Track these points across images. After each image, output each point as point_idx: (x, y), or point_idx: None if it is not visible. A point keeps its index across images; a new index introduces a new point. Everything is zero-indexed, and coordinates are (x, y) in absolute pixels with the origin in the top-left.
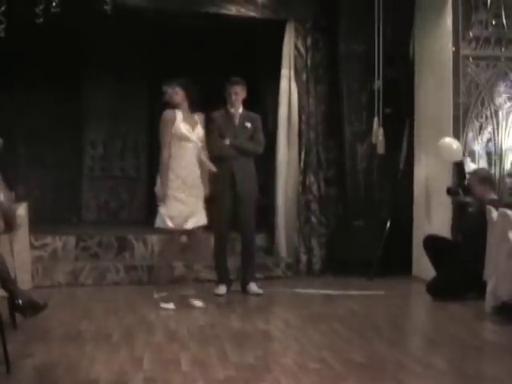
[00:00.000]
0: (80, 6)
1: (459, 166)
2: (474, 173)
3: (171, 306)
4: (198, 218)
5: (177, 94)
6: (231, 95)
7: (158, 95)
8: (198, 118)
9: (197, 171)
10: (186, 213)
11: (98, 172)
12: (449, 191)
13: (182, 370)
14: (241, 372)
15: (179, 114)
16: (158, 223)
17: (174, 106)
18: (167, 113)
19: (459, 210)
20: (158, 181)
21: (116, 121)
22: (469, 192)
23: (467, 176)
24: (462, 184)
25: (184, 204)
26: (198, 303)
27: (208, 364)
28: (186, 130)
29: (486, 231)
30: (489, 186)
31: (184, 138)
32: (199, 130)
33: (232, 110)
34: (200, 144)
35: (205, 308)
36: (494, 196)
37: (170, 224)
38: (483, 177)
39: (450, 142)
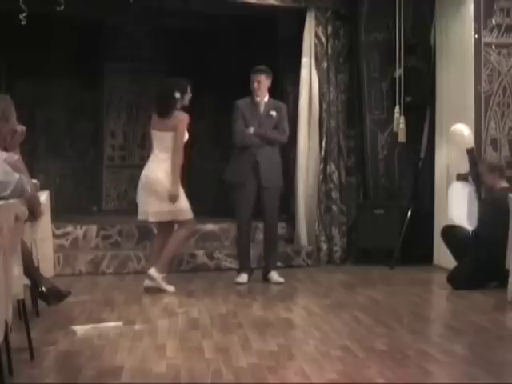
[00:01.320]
0: None
1: (470, 153)
2: (484, 160)
3: (172, 288)
4: None
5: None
6: (254, 83)
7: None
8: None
9: None
10: None
11: (118, 161)
12: (458, 177)
13: (205, 358)
14: (264, 360)
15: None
16: (188, 214)
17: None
18: (186, 116)
19: (469, 197)
20: (168, 180)
21: (135, 110)
22: (478, 179)
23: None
24: (473, 171)
25: None
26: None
27: (231, 352)
28: None
29: (501, 219)
30: (498, 173)
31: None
32: None
33: (257, 99)
34: None
35: (226, 296)
36: (504, 184)
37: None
38: (492, 164)
39: (461, 128)
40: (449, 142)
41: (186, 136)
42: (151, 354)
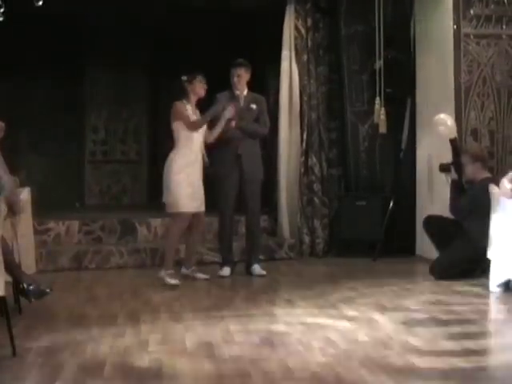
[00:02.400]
0: None
1: (454, 143)
2: (466, 151)
3: (176, 281)
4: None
5: None
6: (234, 77)
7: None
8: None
9: None
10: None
11: (100, 156)
12: (440, 167)
13: (187, 352)
14: (246, 352)
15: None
16: (173, 207)
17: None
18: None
19: (453, 187)
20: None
21: (117, 105)
22: (461, 169)
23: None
24: (456, 161)
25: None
26: (202, 275)
27: (213, 345)
28: None
29: (482, 209)
30: (481, 164)
31: None
32: None
33: (237, 92)
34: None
35: (209, 290)
36: (487, 174)
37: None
38: (475, 154)
39: (444, 118)
40: (431, 132)
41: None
42: (133, 348)
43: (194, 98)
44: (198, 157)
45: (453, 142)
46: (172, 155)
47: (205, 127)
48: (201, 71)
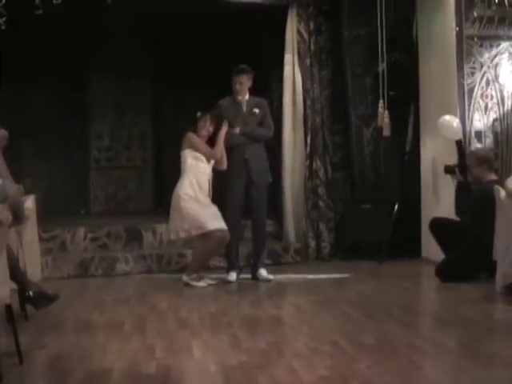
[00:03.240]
0: None
1: (459, 145)
2: (472, 153)
3: (203, 283)
4: None
5: None
6: (236, 84)
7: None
8: None
9: None
10: None
11: (105, 163)
12: (445, 169)
13: (194, 357)
14: (253, 357)
15: None
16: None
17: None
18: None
19: (458, 189)
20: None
21: (121, 111)
22: (466, 171)
23: (467, 155)
24: (461, 163)
25: None
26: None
27: (220, 350)
28: None
29: (488, 211)
30: (487, 166)
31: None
32: None
33: (239, 98)
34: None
35: (215, 295)
36: (493, 176)
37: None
38: (481, 157)
39: (450, 119)
40: (436, 134)
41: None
42: (141, 355)
43: (200, 135)
44: (204, 185)
45: (458, 143)
46: (178, 184)
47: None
48: (209, 112)
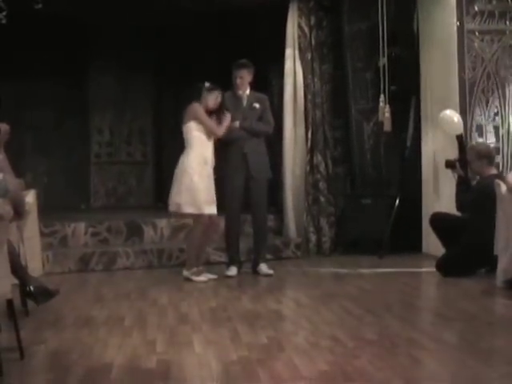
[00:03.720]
0: None
1: (459, 140)
2: (472, 147)
3: (203, 278)
4: None
5: None
6: (236, 79)
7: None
8: None
9: None
10: None
11: (105, 158)
12: (446, 164)
13: (195, 352)
14: (254, 352)
15: None
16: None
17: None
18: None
19: (459, 184)
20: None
21: (122, 107)
22: (467, 166)
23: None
24: (462, 157)
25: None
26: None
27: (221, 345)
28: None
29: (488, 206)
30: (487, 161)
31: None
32: None
33: (240, 92)
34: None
35: (216, 289)
36: (493, 171)
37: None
38: (481, 152)
39: (450, 114)
40: (437, 129)
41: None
42: (141, 349)
43: (204, 107)
44: (209, 159)
45: (459, 138)
46: (184, 158)
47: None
48: (222, 89)
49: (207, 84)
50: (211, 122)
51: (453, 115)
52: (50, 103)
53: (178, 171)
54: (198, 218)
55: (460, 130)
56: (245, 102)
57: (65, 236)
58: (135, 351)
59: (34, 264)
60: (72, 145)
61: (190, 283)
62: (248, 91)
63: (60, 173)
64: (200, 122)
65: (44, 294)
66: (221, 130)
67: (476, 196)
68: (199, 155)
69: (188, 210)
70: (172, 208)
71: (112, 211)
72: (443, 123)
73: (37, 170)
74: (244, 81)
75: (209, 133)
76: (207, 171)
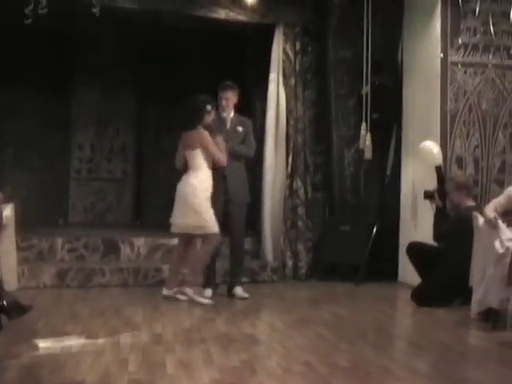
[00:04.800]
0: (68, 8)
1: (438, 171)
2: (451, 178)
3: (208, 300)
4: None
5: None
6: (222, 100)
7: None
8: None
9: None
10: None
11: (85, 174)
12: (425, 194)
13: (167, 373)
14: (226, 375)
15: None
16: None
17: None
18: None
19: (437, 214)
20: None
21: (104, 123)
22: (445, 197)
23: (446, 181)
24: (440, 188)
25: None
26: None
27: (193, 367)
28: None
29: (465, 237)
30: (466, 192)
31: None
32: None
33: (224, 114)
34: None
35: (190, 311)
36: (471, 202)
37: None
38: (460, 183)
39: (430, 145)
40: (416, 159)
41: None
42: (113, 368)
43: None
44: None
45: (438, 169)
46: (193, 180)
47: None
48: (214, 102)
49: (208, 107)
50: (217, 150)
51: (432, 146)
52: (31, 117)
53: (185, 189)
54: (211, 237)
55: (439, 161)
56: (228, 125)
57: (41, 251)
58: (107, 370)
59: (10, 278)
60: (52, 159)
61: (166, 303)
62: (232, 114)
63: (39, 187)
64: (206, 149)
65: (17, 310)
66: (225, 160)
67: (453, 227)
68: (205, 179)
69: (212, 229)
70: (174, 230)
71: (90, 228)
72: (423, 154)
73: (16, 184)
74: (229, 102)
75: (212, 160)
76: (209, 194)
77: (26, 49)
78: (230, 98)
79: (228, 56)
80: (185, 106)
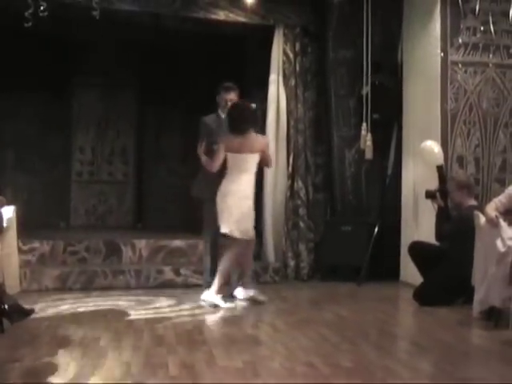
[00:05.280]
0: (68, 11)
1: (440, 170)
2: (452, 178)
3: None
4: None
5: None
6: (226, 102)
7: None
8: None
9: None
10: None
11: (86, 177)
12: (426, 194)
13: (170, 375)
14: (229, 376)
15: None
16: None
17: None
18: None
19: (438, 214)
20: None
21: (104, 126)
22: (447, 196)
23: (448, 180)
24: (442, 188)
25: None
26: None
27: (196, 368)
28: None
29: (467, 236)
30: (467, 191)
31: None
32: None
33: (223, 115)
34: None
35: (192, 313)
36: (473, 202)
37: None
38: (461, 182)
39: (431, 145)
40: (417, 159)
41: None
42: (116, 371)
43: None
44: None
45: (439, 169)
46: (251, 184)
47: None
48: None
49: (253, 105)
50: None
51: (434, 146)
52: (32, 119)
53: (246, 196)
54: (240, 242)
55: (440, 160)
56: None
57: (43, 254)
58: (110, 372)
59: (12, 281)
60: (53, 162)
61: (167, 305)
62: None
63: (40, 190)
64: (265, 154)
65: (18, 313)
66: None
67: (455, 226)
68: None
69: (243, 235)
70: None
71: (91, 230)
72: (424, 154)
73: (17, 186)
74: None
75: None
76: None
77: (26, 51)
78: (233, 100)
79: (228, 57)
80: (234, 110)
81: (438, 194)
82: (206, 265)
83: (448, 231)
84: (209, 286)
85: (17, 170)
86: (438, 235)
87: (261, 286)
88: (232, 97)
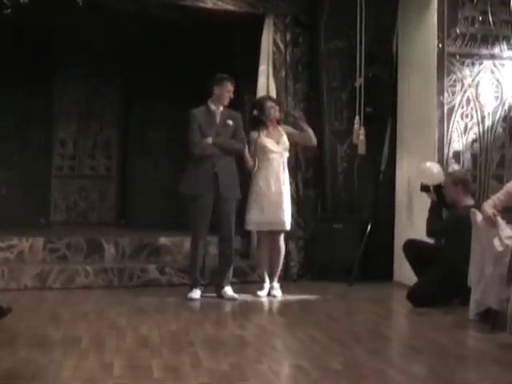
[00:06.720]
0: None
1: (438, 189)
2: (449, 174)
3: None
4: None
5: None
6: (225, 93)
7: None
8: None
9: None
10: None
11: (68, 171)
12: (421, 187)
13: (153, 377)
14: (215, 379)
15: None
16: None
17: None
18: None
19: (432, 209)
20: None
21: (87, 118)
22: (442, 193)
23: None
24: (440, 204)
25: None
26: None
27: (181, 371)
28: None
29: (463, 236)
30: (462, 187)
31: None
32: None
33: (213, 108)
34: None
35: (177, 313)
36: (470, 200)
37: None
38: (457, 178)
39: (430, 166)
40: (412, 154)
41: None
42: (97, 372)
43: None
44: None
45: (437, 188)
46: (287, 178)
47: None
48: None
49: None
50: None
51: (432, 167)
52: (12, 112)
53: (284, 191)
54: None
55: (441, 180)
56: (218, 119)
57: (22, 251)
58: (91, 374)
59: None
60: (33, 156)
61: (151, 305)
62: (222, 107)
63: (19, 185)
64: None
65: None
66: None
67: (451, 226)
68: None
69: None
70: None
71: (72, 227)
72: (423, 175)
73: None
74: (231, 95)
75: None
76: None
77: (4, 41)
78: (231, 91)
79: (216, 47)
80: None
81: (431, 188)
82: (192, 263)
83: (442, 230)
84: (195, 284)
85: None
86: (429, 231)
87: (249, 285)
88: (231, 88)
